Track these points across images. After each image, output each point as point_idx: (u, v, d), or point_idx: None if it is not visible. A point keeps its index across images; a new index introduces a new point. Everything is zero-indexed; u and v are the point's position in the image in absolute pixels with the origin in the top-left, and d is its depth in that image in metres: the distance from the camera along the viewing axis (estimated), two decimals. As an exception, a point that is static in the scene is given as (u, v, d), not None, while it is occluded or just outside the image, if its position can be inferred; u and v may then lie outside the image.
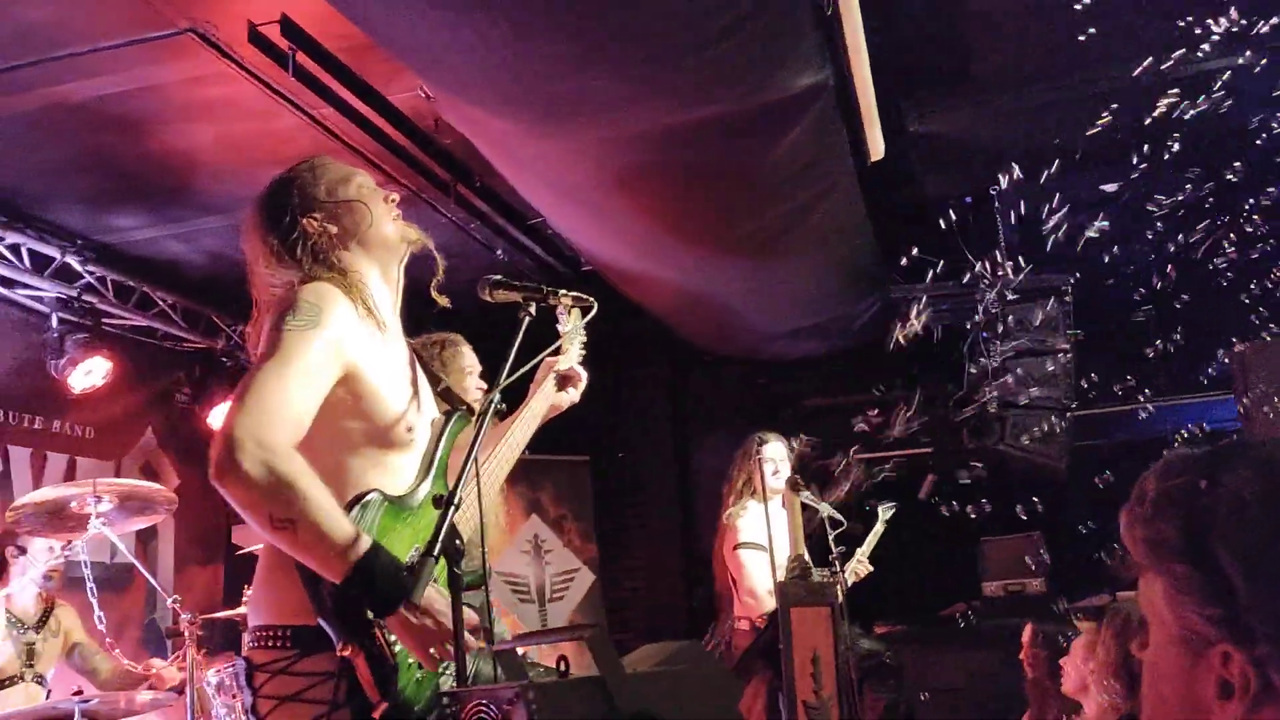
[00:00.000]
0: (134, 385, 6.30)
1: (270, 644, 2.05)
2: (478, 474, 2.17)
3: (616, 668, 1.56)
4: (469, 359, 3.38)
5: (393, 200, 2.33)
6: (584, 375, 2.73)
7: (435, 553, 1.86)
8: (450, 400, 2.39)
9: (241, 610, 4.45)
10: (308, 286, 2.11)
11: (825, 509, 5.07)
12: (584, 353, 2.79)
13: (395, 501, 2.10)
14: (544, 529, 7.17)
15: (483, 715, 1.57)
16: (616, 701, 1.53)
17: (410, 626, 1.92)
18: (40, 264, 5.65)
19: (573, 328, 2.72)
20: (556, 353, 2.66)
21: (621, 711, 1.53)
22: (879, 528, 5.25)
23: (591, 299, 2.40)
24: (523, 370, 2.20)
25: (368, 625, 1.93)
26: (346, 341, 2.07)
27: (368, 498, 2.05)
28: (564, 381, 2.69)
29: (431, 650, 1.94)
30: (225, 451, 1.88)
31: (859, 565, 5.09)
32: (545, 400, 2.64)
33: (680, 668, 1.67)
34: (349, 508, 2.01)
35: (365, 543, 1.90)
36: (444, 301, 2.41)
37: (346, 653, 1.91)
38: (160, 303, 6.31)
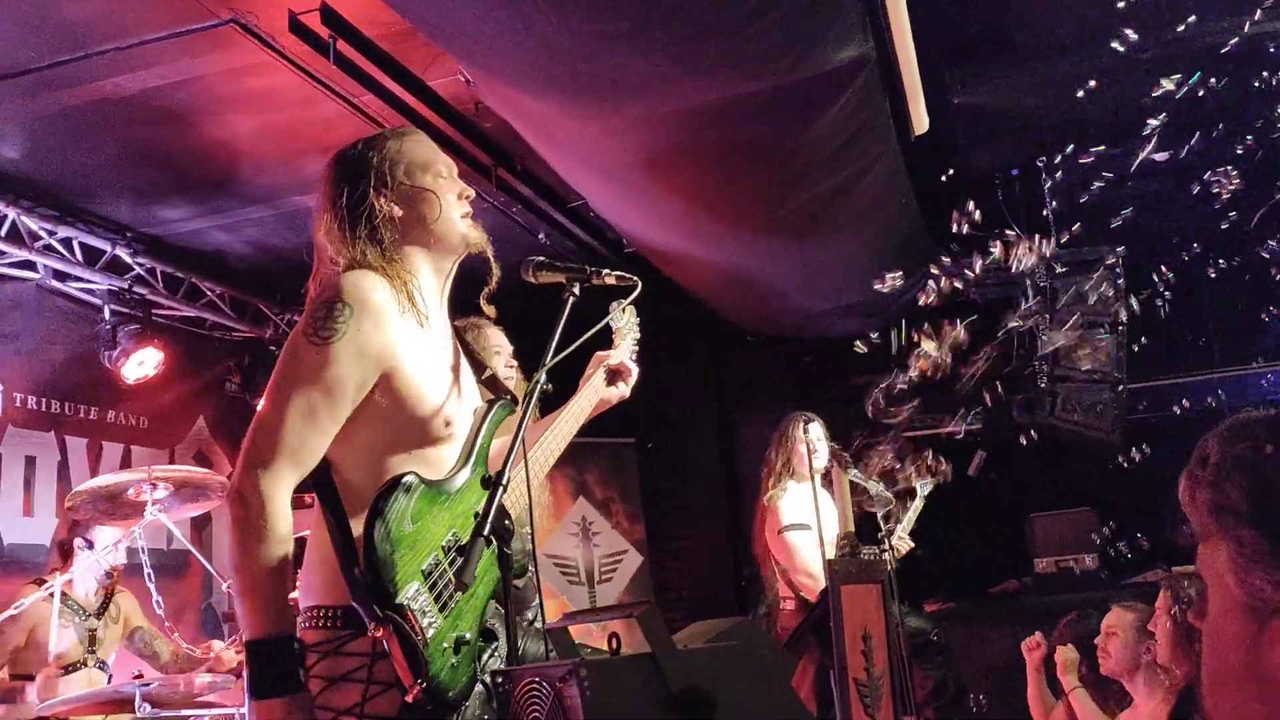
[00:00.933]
0: (185, 375, 6.40)
1: (321, 624, 2.06)
2: (524, 455, 2.18)
3: (668, 645, 1.56)
4: (494, 339, 3.37)
5: (467, 196, 2.30)
6: (635, 370, 2.68)
7: (485, 532, 1.87)
8: (494, 389, 2.38)
9: (294, 595, 4.51)
10: (348, 279, 2.09)
11: (873, 487, 5.04)
12: (636, 349, 2.75)
13: (432, 485, 2.09)
14: (591, 511, 7.19)
15: (535, 693, 1.57)
16: (668, 678, 1.53)
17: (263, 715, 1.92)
18: (92, 257, 5.75)
19: (626, 323, 2.72)
20: (608, 346, 2.65)
21: (673, 688, 1.52)
22: (918, 504, 5.21)
23: (635, 279, 2.37)
24: (568, 350, 2.18)
25: (399, 607, 1.93)
26: (382, 342, 2.06)
27: (405, 479, 2.05)
28: (614, 376, 2.65)
29: None
30: (227, 497, 2.02)
31: (900, 542, 5.05)
32: (594, 394, 2.60)
33: (731, 644, 1.66)
34: (386, 491, 2.01)
35: (281, 631, 1.95)
36: (491, 311, 2.41)
37: (378, 633, 1.92)
38: (208, 293, 6.40)
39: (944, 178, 4.92)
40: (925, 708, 5.19)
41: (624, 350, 2.70)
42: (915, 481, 5.24)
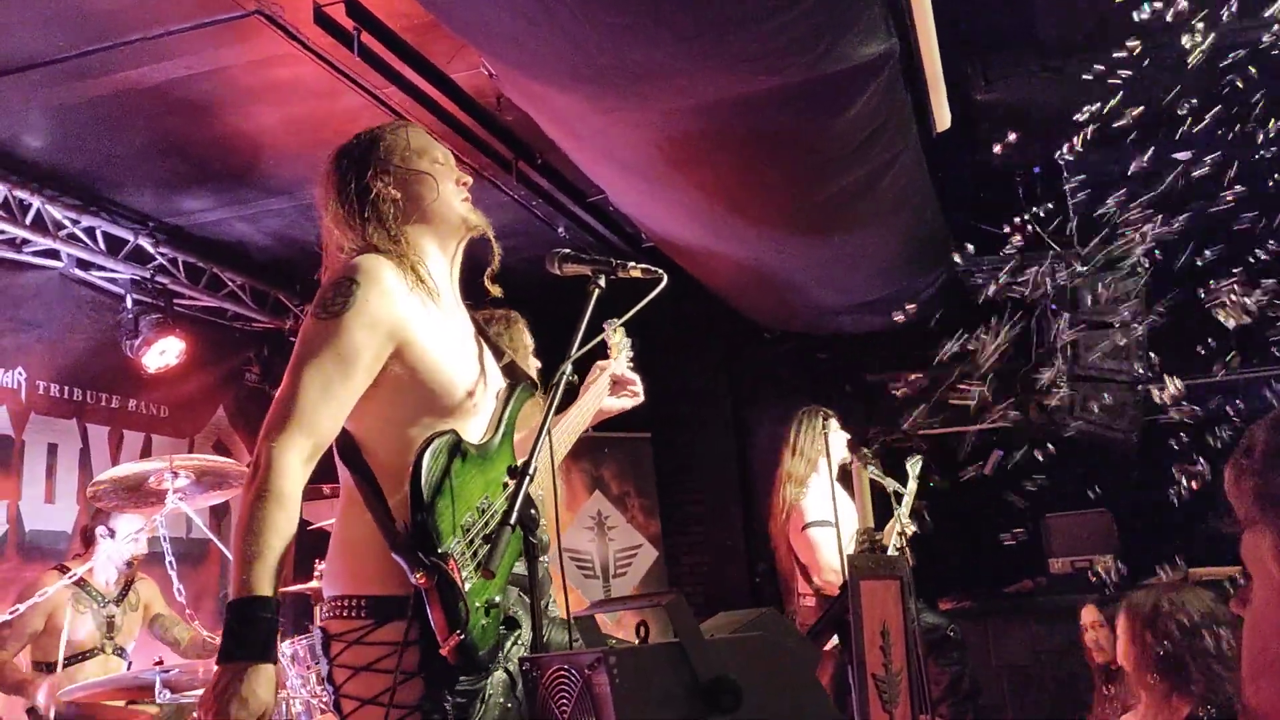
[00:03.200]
0: (205, 365, 6.44)
1: (346, 614, 2.07)
2: (550, 446, 2.20)
3: (695, 634, 1.57)
4: (529, 337, 3.41)
5: (465, 183, 2.36)
6: (640, 390, 2.75)
7: (512, 522, 1.88)
8: (514, 374, 2.40)
9: (312, 585, 4.55)
10: (354, 261, 2.15)
11: (890, 483, 5.04)
12: (631, 365, 2.81)
13: (470, 445, 2.13)
14: (607, 505, 7.21)
15: (564, 680, 1.58)
16: (695, 667, 1.54)
17: (226, 678, 1.83)
18: (114, 246, 5.79)
19: (618, 340, 2.79)
20: (603, 356, 2.71)
21: (700, 677, 1.53)
22: (912, 485, 5.20)
23: (661, 271, 2.38)
24: (589, 346, 2.20)
25: (444, 555, 1.95)
26: (392, 315, 2.09)
27: (446, 434, 2.07)
28: (616, 386, 2.71)
29: (208, 709, 1.83)
30: (251, 467, 2.01)
31: (902, 524, 5.04)
32: (597, 398, 2.66)
33: (758, 634, 1.67)
34: (430, 442, 2.03)
35: (262, 593, 1.89)
36: (496, 291, 2.44)
37: (421, 582, 1.93)
38: (229, 283, 6.43)
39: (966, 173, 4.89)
40: (940, 704, 5.20)
41: (622, 363, 2.76)
42: (906, 463, 5.24)
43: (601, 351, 2.72)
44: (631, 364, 2.80)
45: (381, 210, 2.23)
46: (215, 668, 1.87)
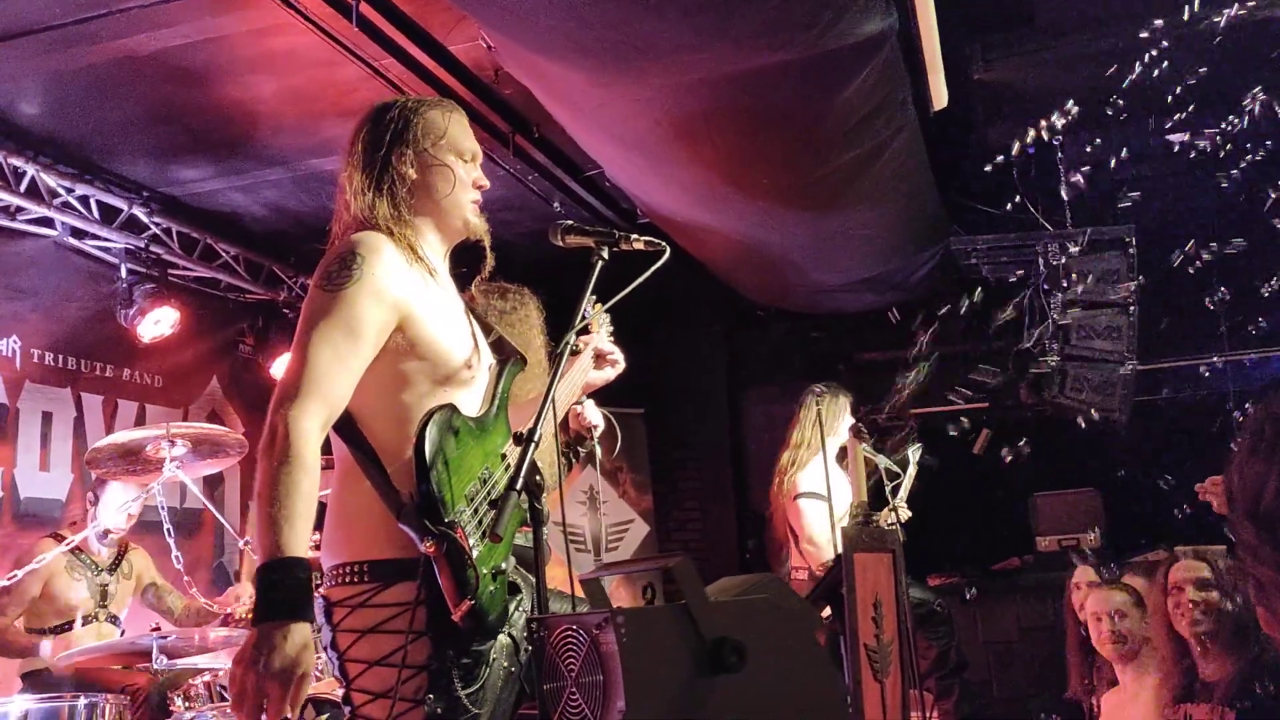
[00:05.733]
0: (199, 335, 6.44)
1: (348, 580, 2.10)
2: (554, 413, 2.23)
3: (701, 596, 1.60)
4: (539, 313, 3.43)
5: (480, 187, 2.38)
6: (620, 359, 2.77)
7: (518, 487, 1.91)
8: (502, 350, 2.43)
9: (314, 554, 4.57)
10: (357, 236, 2.18)
11: (884, 461, 5.07)
12: (611, 337, 2.83)
13: (469, 418, 2.16)
14: (599, 480, 7.24)
15: (571, 640, 1.61)
16: (701, 627, 1.57)
17: (262, 641, 1.83)
18: (109, 215, 5.76)
19: (597, 315, 2.79)
20: (585, 331, 2.73)
21: (706, 637, 1.57)
22: (911, 470, 5.25)
23: (664, 244, 2.40)
24: (583, 323, 2.23)
25: (451, 523, 1.97)
26: (395, 287, 2.12)
27: (446, 406, 2.10)
28: (599, 360, 2.73)
29: (244, 675, 1.82)
30: (267, 435, 1.98)
31: (898, 509, 5.08)
32: (583, 372, 2.69)
33: (762, 596, 1.70)
34: (433, 413, 2.05)
35: (295, 554, 1.90)
36: (480, 295, 2.53)
37: (430, 549, 1.95)
38: (223, 254, 6.41)
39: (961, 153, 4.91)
40: (928, 677, 5.26)
41: (603, 337, 2.78)
42: (907, 449, 5.28)
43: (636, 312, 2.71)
44: (611, 337, 2.83)
45: (395, 188, 2.26)
46: (259, 628, 1.86)
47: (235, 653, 1.89)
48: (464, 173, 2.34)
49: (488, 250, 2.41)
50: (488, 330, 2.44)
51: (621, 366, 2.78)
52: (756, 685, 1.57)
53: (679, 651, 1.56)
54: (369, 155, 2.29)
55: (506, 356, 2.40)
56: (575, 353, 2.43)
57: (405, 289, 2.14)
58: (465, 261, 2.49)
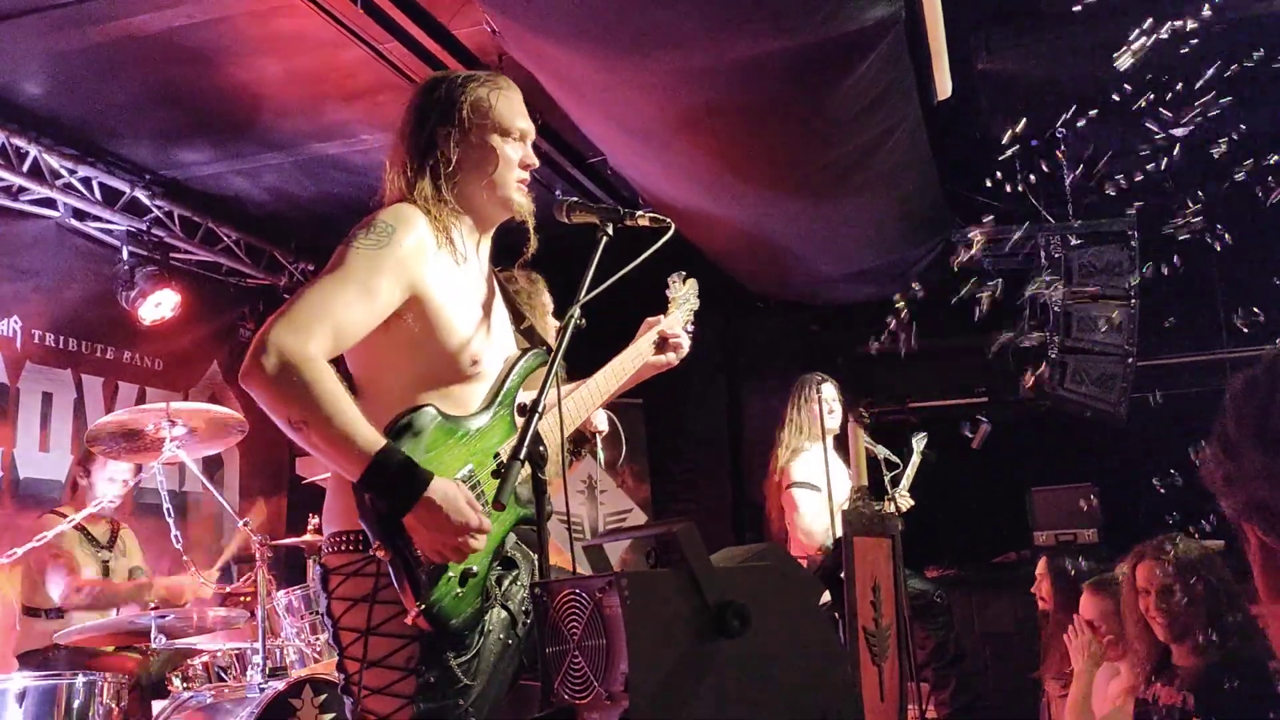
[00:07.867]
0: (200, 319, 6.45)
1: (345, 547, 2.10)
2: (559, 388, 2.22)
3: (705, 560, 1.60)
4: (548, 298, 3.41)
5: (528, 165, 2.35)
6: (686, 341, 2.65)
7: (520, 457, 1.91)
8: (531, 340, 2.39)
9: (305, 538, 4.58)
10: (392, 208, 2.17)
11: (881, 451, 5.10)
12: (690, 319, 2.71)
13: (450, 419, 2.10)
14: (598, 470, 7.25)
15: (574, 603, 1.61)
16: (705, 592, 1.57)
17: (424, 522, 1.91)
18: (111, 197, 5.77)
19: (683, 293, 2.70)
20: (647, 286, 2.64)
21: (709, 601, 1.57)
22: (915, 459, 5.27)
23: (669, 221, 2.39)
24: (600, 288, 2.19)
25: (401, 528, 1.93)
26: (416, 265, 2.10)
27: (424, 409, 2.06)
28: (663, 344, 2.62)
29: (442, 547, 1.92)
30: (251, 354, 1.95)
31: (902, 499, 5.11)
32: (638, 357, 2.57)
33: (765, 563, 1.71)
34: (401, 417, 2.03)
35: (379, 443, 1.92)
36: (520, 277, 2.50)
37: (381, 554, 1.93)
38: (225, 238, 6.42)
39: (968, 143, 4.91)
40: (926, 667, 5.28)
41: (676, 319, 2.66)
42: (911, 439, 5.30)
43: (651, 299, 2.63)
44: (691, 327, 2.69)
45: (437, 167, 2.23)
46: (406, 522, 1.92)
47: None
48: (510, 151, 2.30)
49: (531, 231, 2.38)
50: (519, 319, 2.41)
51: (685, 352, 2.65)
52: (759, 649, 1.57)
53: (682, 615, 1.56)
54: (415, 132, 2.27)
55: (528, 348, 2.35)
56: (578, 329, 2.41)
57: (426, 270, 2.12)
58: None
